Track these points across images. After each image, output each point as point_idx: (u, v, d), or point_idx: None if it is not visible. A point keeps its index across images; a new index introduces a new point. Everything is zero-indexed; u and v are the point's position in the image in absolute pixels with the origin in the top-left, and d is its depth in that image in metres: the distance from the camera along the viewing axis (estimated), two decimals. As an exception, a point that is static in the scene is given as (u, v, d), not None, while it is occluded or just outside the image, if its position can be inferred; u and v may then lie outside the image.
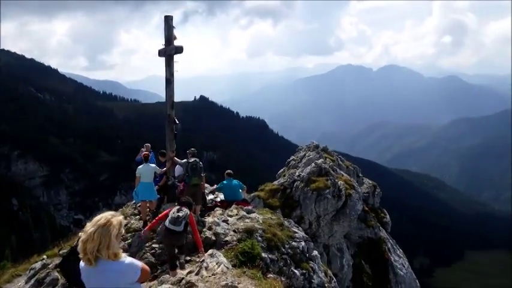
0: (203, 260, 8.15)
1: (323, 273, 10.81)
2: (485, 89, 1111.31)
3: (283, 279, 8.98)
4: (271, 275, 8.57)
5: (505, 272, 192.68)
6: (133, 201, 13.51)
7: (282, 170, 23.02)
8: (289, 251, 10.07)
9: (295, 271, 9.65)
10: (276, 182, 19.90)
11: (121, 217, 3.94)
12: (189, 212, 8.76)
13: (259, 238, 9.62)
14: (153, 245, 10.14)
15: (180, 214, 8.53)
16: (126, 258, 3.88)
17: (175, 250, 8.96)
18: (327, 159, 21.63)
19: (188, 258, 9.33)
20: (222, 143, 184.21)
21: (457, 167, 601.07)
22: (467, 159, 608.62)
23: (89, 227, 3.76)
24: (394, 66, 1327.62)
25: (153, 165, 12.21)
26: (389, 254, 21.25)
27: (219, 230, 9.89)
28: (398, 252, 23.11)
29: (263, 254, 9.03)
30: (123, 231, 4.00)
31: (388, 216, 25.13)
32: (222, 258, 8.28)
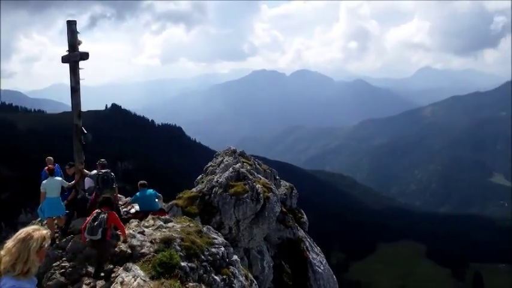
0: (118, 275, 7.82)
1: (243, 277, 10.85)
2: (388, 92, 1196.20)
3: (203, 287, 8.87)
4: (191, 284, 8.43)
5: (409, 261, 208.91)
6: (39, 218, 12.59)
7: (200, 176, 22.83)
8: (209, 257, 9.97)
9: (216, 277, 9.57)
10: (194, 189, 19.67)
11: (45, 232, 3.76)
12: (106, 216, 8.53)
13: (178, 247, 9.42)
14: (63, 264, 9.48)
15: (95, 223, 8.38)
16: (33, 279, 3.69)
17: (100, 259, 8.72)
18: (245, 163, 21.85)
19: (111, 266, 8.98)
20: (137, 152, 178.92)
21: (367, 165, 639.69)
22: (376, 158, 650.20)
23: (9, 241, 3.61)
24: (306, 70, 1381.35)
25: (59, 178, 11.46)
26: (307, 253, 21.95)
27: (134, 242, 9.52)
28: (316, 250, 23.97)
29: (182, 263, 8.85)
30: (47, 245, 3.82)
31: (305, 216, 26.00)
32: (139, 271, 7.98)
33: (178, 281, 7.91)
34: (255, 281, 12.52)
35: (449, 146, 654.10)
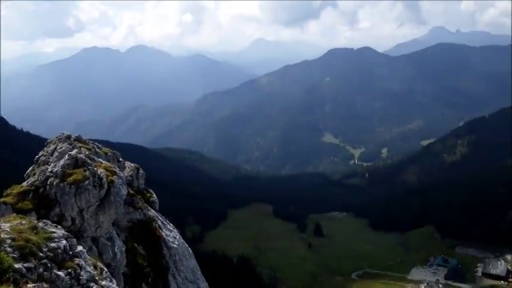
0: None
1: (92, 267, 10.30)
2: (227, 64, 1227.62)
3: (45, 285, 8.17)
4: (30, 285, 7.69)
5: (259, 222, 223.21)
6: None
7: (30, 168, 20.55)
8: (49, 253, 9.18)
9: (59, 273, 8.88)
10: (25, 183, 17.66)
11: None
12: None
13: (9, 249, 8.44)
14: None
15: None
16: None
17: None
18: (82, 148, 20.35)
19: None
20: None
21: (213, 138, 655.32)
22: (221, 130, 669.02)
23: None
24: (143, 46, 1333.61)
25: None
26: (160, 231, 21.76)
27: (-48, 252, 8.23)
28: (169, 226, 23.90)
29: (16, 265, 7.99)
30: None
31: (154, 195, 25.55)
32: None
33: (12, 285, 7.14)
34: (105, 268, 12.02)
35: (286, 112, 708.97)
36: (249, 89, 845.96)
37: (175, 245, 22.67)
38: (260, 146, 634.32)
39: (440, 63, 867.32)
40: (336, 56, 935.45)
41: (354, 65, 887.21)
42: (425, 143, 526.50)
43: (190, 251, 25.31)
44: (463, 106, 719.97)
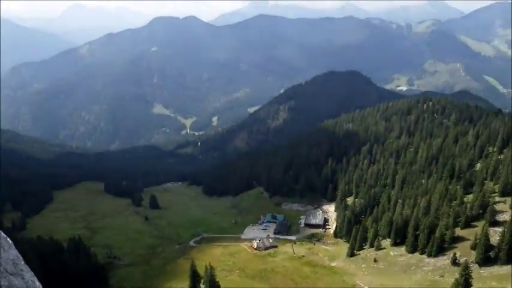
0: None
1: None
2: (40, 32, 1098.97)
3: None
4: None
5: (89, 202, 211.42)
6: None
7: None
8: None
9: None
10: None
11: None
12: None
13: None
14: None
15: None
16: None
17: None
18: None
19: None
20: None
21: (29, 114, 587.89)
22: (37, 105, 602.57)
23: None
24: None
25: None
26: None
27: None
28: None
29: None
30: None
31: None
32: None
33: None
34: None
35: (112, 84, 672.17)
36: (67, 59, 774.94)
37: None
38: (85, 121, 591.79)
39: (261, 33, 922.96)
40: (162, 25, 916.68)
41: (180, 34, 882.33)
42: (251, 110, 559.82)
43: (9, 241, 22.10)
44: (284, 74, 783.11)
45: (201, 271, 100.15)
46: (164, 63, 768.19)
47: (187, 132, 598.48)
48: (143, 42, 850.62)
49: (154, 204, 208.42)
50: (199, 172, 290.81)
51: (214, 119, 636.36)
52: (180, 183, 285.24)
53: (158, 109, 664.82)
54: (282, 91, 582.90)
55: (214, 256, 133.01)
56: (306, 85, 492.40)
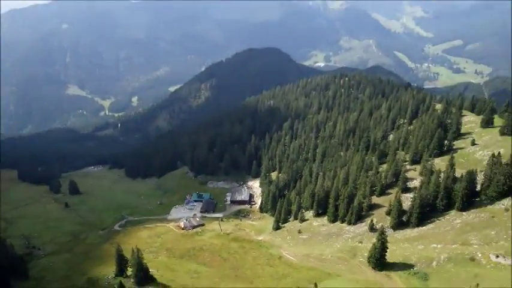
0: None
1: None
2: None
3: None
4: None
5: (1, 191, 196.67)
6: None
7: None
8: None
9: None
10: None
11: None
12: None
13: None
14: None
15: None
16: None
17: None
18: None
19: None
20: None
21: None
22: None
23: None
24: None
25: None
26: None
27: None
28: None
29: None
30: None
31: None
32: None
33: None
34: None
35: (20, 63, 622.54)
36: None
37: None
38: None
39: (180, 11, 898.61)
40: (71, 0, 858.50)
41: (92, 10, 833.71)
42: (172, 89, 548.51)
43: None
44: (204, 52, 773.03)
45: (128, 255, 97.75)
46: (76, 41, 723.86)
47: (106, 113, 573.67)
48: (52, 18, 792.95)
49: (74, 190, 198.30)
50: (121, 154, 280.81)
51: (134, 99, 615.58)
52: (101, 166, 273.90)
53: (73, 90, 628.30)
54: (203, 69, 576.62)
55: (141, 239, 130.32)
56: (227, 62, 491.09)
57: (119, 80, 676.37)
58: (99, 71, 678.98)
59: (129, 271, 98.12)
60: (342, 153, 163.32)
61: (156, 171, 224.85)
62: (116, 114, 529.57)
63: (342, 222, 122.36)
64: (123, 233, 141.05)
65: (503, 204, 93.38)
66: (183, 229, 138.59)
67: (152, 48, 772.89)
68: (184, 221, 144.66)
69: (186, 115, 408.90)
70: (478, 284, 56.78)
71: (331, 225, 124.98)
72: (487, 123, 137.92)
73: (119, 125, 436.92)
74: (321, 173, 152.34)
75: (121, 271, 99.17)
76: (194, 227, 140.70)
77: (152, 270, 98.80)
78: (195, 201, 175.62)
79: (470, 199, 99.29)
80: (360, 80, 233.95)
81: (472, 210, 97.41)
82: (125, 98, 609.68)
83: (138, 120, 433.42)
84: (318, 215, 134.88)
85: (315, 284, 72.06)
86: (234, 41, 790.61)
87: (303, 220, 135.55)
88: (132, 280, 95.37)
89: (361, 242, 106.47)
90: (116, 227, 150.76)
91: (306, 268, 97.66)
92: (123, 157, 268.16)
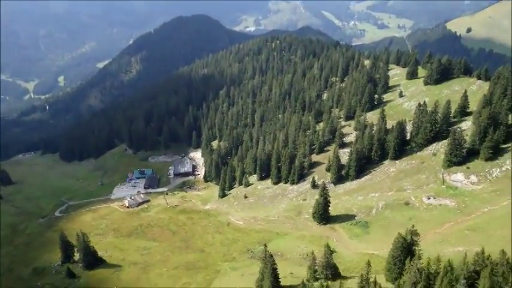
0: None
1: None
2: None
3: None
4: None
5: None
6: None
7: None
8: None
9: None
10: None
11: None
12: None
13: None
14: None
15: None
16: None
17: None
18: None
19: None
20: None
21: None
22: None
23: None
24: None
25: None
26: None
27: None
28: None
29: None
30: None
31: None
32: None
33: None
34: None
35: None
36: None
37: None
38: None
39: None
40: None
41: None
42: (101, 65, 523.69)
43: None
44: (131, 24, 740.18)
45: (73, 240, 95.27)
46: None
47: (31, 96, 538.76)
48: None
49: (6, 180, 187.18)
50: (52, 138, 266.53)
51: (60, 78, 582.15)
52: (32, 153, 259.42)
53: None
54: (131, 42, 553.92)
55: (85, 222, 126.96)
56: (156, 33, 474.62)
57: (41, 59, 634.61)
58: (18, 51, 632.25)
59: (76, 256, 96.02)
60: (279, 115, 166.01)
61: (93, 152, 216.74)
62: (43, 97, 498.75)
63: (285, 182, 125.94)
64: (65, 219, 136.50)
65: (430, 150, 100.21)
66: (128, 207, 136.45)
67: (73, 23, 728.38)
68: (129, 199, 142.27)
69: (118, 91, 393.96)
70: (413, 225, 61.27)
71: (275, 186, 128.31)
72: (412, 75, 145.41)
73: (47, 107, 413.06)
74: (261, 137, 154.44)
75: (67, 257, 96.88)
76: (139, 204, 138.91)
77: (101, 252, 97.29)
78: (138, 178, 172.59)
79: (402, 148, 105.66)
80: (291, 41, 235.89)
81: (404, 158, 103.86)
82: (50, 79, 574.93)
83: (67, 100, 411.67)
84: (261, 178, 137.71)
85: (265, 245, 74.41)
86: (159, 11, 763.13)
87: (247, 185, 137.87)
88: (80, 265, 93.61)
89: (305, 200, 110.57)
90: (57, 214, 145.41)
91: (254, 231, 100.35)
92: (55, 141, 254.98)
